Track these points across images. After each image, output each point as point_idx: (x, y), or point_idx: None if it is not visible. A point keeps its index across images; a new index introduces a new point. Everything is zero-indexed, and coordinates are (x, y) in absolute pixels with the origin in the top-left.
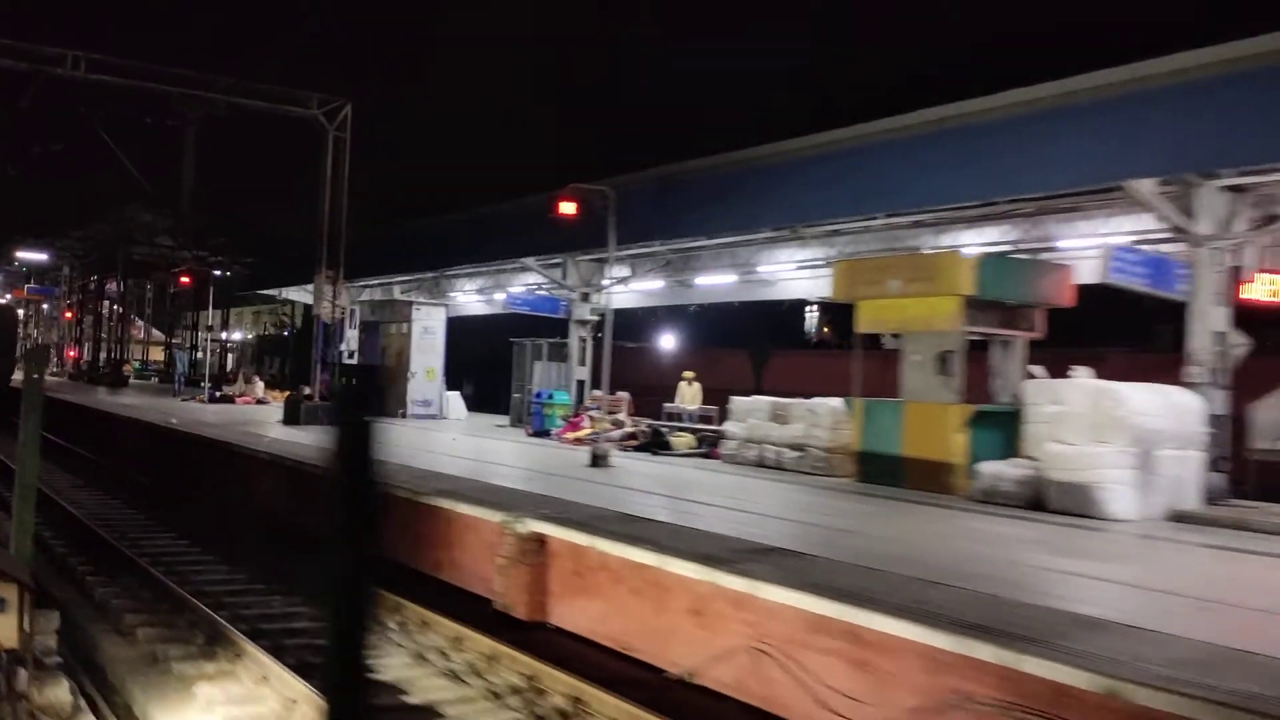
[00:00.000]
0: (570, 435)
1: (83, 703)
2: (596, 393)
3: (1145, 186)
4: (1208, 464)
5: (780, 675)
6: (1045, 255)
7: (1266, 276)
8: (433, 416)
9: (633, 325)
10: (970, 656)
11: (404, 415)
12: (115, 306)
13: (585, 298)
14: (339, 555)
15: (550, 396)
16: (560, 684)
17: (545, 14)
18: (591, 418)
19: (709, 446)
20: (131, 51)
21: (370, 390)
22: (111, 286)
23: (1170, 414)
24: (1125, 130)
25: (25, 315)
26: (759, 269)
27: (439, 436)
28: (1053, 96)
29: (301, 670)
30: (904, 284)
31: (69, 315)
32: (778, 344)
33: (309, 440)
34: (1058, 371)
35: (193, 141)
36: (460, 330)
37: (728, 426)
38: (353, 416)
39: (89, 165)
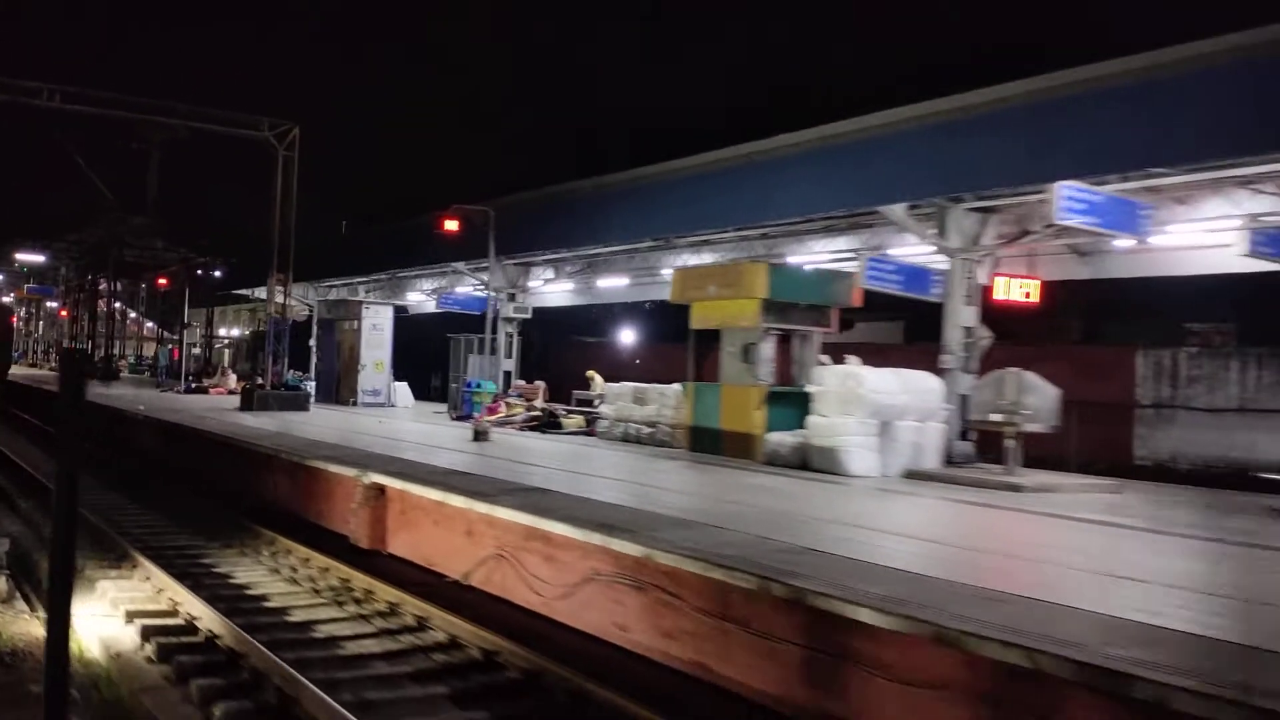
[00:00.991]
0: (488, 418)
1: (17, 592)
2: (520, 382)
3: (897, 211)
4: (955, 433)
5: (510, 571)
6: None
7: (1004, 280)
8: (381, 404)
9: (594, 322)
10: (599, 545)
11: (354, 403)
12: (111, 305)
13: (511, 298)
14: (61, 456)
15: (479, 385)
16: (383, 592)
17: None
18: (508, 403)
19: (591, 426)
20: (100, 80)
21: (85, 363)
22: (105, 286)
23: (909, 392)
24: (883, 165)
25: (27, 313)
26: (660, 271)
27: (368, 420)
28: (836, 135)
29: (170, 569)
30: (719, 289)
31: (64, 313)
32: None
33: (239, 421)
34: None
35: (156, 159)
36: (418, 326)
37: (602, 408)
38: (74, 375)
39: (67, 181)
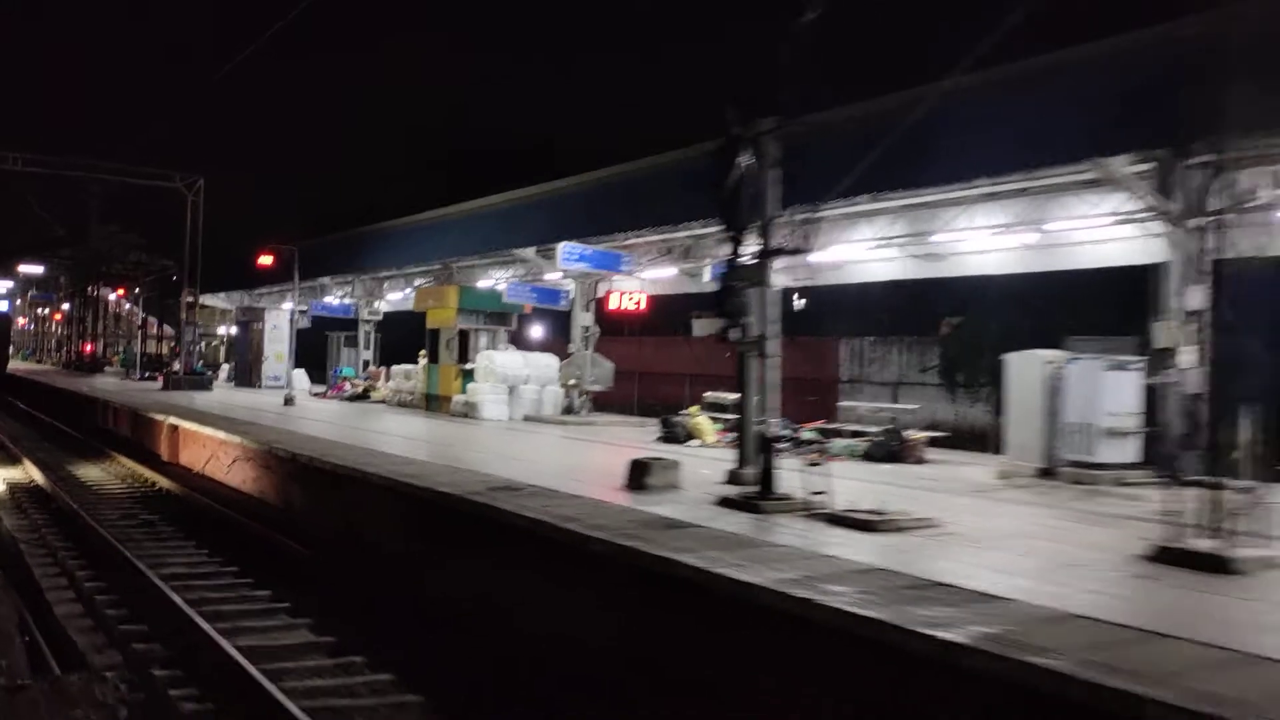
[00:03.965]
0: (334, 395)
1: None
2: (371, 368)
3: (528, 253)
4: (578, 393)
5: (215, 461)
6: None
7: (616, 295)
8: (279, 387)
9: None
10: (234, 441)
11: (259, 386)
12: (98, 308)
13: (368, 304)
14: None
15: (342, 371)
16: (180, 488)
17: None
18: (352, 382)
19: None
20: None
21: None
22: (92, 292)
23: (531, 367)
24: (516, 219)
25: (34, 316)
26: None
27: (244, 395)
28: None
29: (38, 465)
30: (434, 302)
31: (57, 317)
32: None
33: (146, 396)
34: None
35: (96, 202)
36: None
37: (390, 383)
38: None
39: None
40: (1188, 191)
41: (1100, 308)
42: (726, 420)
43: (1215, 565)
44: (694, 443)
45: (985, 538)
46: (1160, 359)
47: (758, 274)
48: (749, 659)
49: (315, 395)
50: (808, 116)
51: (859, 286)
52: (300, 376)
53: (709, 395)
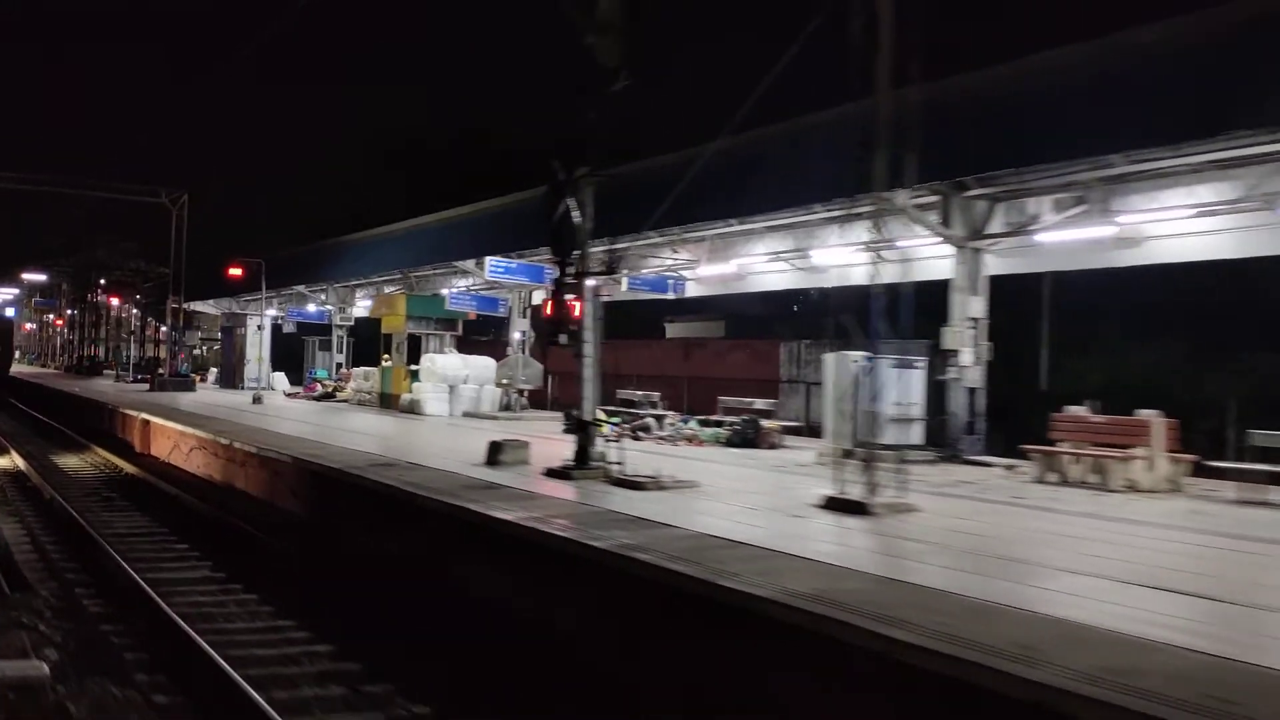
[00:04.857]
0: (306, 395)
1: None
2: (344, 370)
3: (469, 264)
4: (514, 391)
5: (177, 451)
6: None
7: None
8: (260, 388)
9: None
10: (190, 433)
11: (242, 386)
12: (97, 314)
13: (341, 311)
14: None
15: (315, 373)
16: (142, 472)
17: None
18: (323, 384)
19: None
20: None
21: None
22: (91, 299)
23: (470, 368)
24: (450, 236)
25: (39, 321)
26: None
27: (223, 396)
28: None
29: (22, 454)
30: (387, 309)
31: (59, 322)
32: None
33: (130, 395)
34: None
35: (84, 216)
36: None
37: (352, 384)
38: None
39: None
40: (969, 219)
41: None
42: (635, 414)
43: (857, 509)
44: None
45: (725, 494)
46: (947, 359)
47: (575, 290)
48: (500, 566)
49: (290, 395)
50: (613, 169)
51: (760, 295)
52: (280, 379)
53: (620, 393)
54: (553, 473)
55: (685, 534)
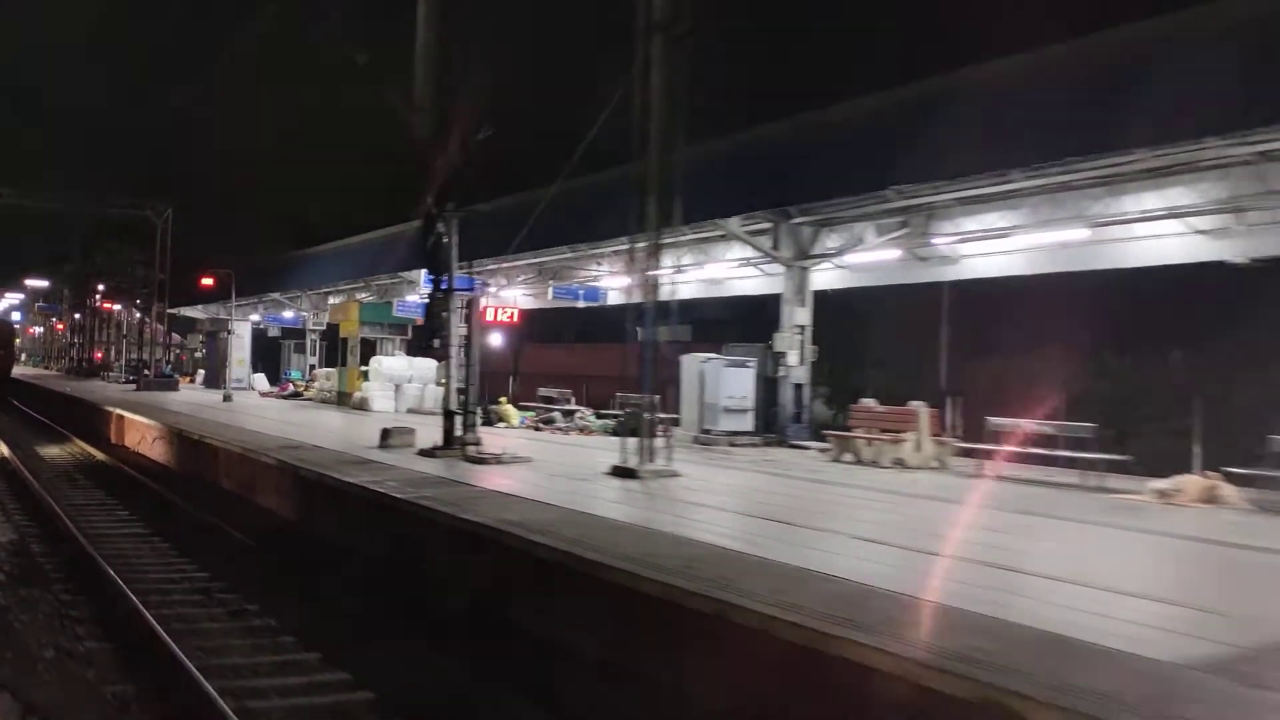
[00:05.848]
0: (278, 394)
1: None
2: (315, 371)
3: (415, 275)
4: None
5: (144, 441)
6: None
7: (493, 308)
8: (242, 389)
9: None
10: (152, 425)
11: (225, 387)
12: (99, 318)
13: (315, 316)
14: None
15: (290, 374)
16: (112, 459)
17: None
18: (294, 384)
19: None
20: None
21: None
22: (91, 304)
23: (414, 369)
24: (388, 249)
25: (44, 325)
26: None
27: (202, 395)
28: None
29: (9, 446)
30: (343, 316)
31: (60, 327)
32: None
33: (114, 395)
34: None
35: (80, 230)
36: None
37: (316, 384)
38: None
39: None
40: (796, 242)
41: (758, 323)
42: (547, 409)
43: (629, 474)
44: (501, 425)
45: (545, 466)
46: (778, 359)
47: (445, 304)
48: (344, 516)
49: (264, 394)
50: (474, 206)
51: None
52: (260, 379)
53: (541, 390)
54: (424, 452)
55: (477, 490)
